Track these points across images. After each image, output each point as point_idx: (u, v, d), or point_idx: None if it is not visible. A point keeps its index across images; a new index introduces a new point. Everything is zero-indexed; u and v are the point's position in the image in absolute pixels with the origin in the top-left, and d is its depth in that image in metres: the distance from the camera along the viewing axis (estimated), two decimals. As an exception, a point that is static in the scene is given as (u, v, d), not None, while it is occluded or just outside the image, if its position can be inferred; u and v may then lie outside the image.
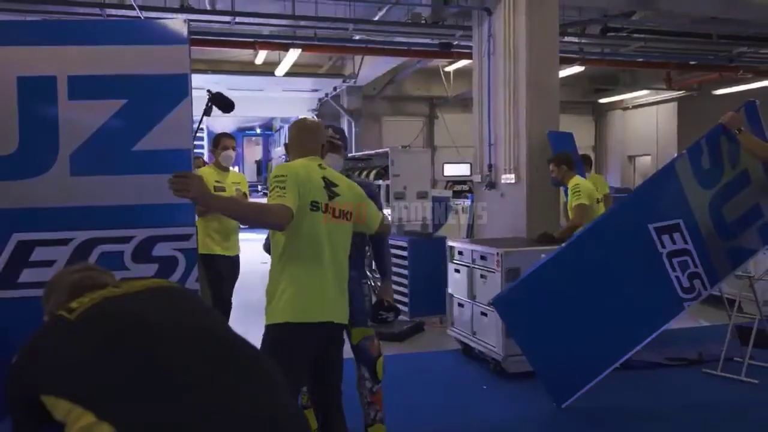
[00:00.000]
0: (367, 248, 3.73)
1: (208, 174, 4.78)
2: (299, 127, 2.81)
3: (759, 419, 4.11)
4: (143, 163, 2.22)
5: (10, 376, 1.52)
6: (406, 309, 6.60)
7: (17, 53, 2.04)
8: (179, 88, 2.23)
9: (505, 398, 4.57)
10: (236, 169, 25.10)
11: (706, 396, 4.58)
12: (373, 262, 3.76)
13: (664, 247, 4.03)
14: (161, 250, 2.26)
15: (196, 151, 3.48)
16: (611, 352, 4.11)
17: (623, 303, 4.02)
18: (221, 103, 3.81)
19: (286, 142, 2.97)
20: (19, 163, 2.05)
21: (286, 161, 2.89)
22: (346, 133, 15.95)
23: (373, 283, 6.38)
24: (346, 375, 3.24)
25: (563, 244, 4.30)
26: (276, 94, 14.15)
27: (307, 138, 2.74)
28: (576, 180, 5.34)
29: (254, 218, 2.45)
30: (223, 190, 4.88)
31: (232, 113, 3.92)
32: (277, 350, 2.29)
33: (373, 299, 4.04)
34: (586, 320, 3.99)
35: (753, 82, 11.59)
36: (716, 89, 12.46)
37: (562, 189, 6.10)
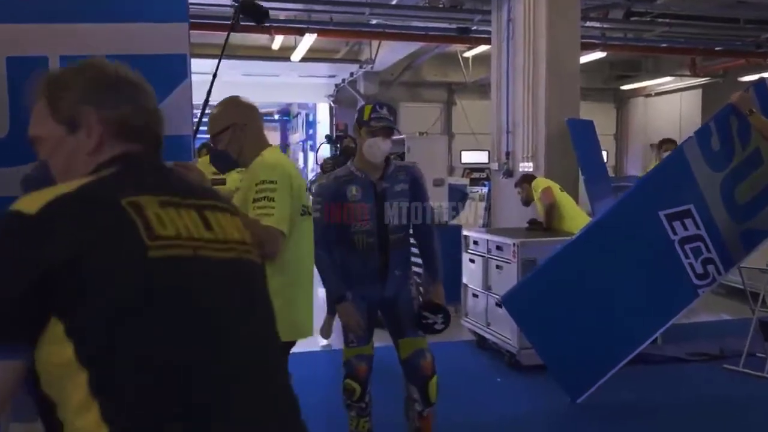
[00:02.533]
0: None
1: (206, 165, 3.52)
2: (249, 107, 2.41)
3: (783, 418, 3.97)
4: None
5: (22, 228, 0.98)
6: (420, 298, 6.50)
7: (6, 31, 1.94)
8: (178, 70, 2.13)
9: (520, 392, 4.47)
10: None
11: (726, 392, 4.44)
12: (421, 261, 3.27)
13: (676, 234, 3.89)
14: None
15: (200, 136, 3.36)
16: (625, 344, 4.00)
17: (636, 293, 3.90)
18: (253, 11, 3.03)
19: (221, 129, 2.35)
20: (10, 150, 1.96)
21: (216, 153, 2.39)
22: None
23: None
24: (394, 393, 3.22)
25: (572, 237, 4.17)
26: (292, 80, 14.04)
27: (260, 122, 2.46)
28: (541, 183, 5.48)
29: None
30: (222, 183, 4.05)
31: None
32: None
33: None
34: (598, 313, 3.87)
35: (781, 68, 11.26)
36: (742, 76, 12.10)
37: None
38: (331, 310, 5.21)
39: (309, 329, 2.41)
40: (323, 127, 16.28)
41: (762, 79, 4.14)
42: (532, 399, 4.27)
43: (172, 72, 2.14)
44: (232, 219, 1.18)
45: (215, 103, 2.50)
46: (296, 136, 20.77)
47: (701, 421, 3.96)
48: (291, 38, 9.95)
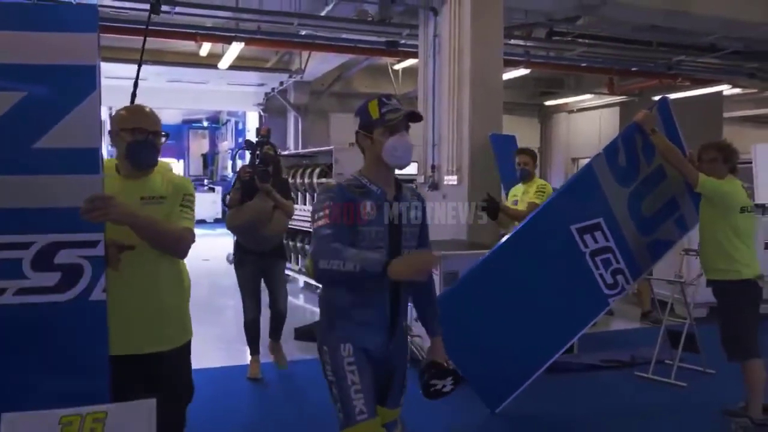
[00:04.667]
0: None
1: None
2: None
3: (686, 422, 4.18)
4: (45, 162, 2.03)
5: None
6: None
7: None
8: (87, 81, 2.05)
9: (438, 404, 4.48)
10: (174, 162, 24.19)
11: (637, 399, 4.64)
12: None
13: (587, 246, 4.05)
14: (65, 257, 2.08)
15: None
16: (541, 353, 4.12)
17: (550, 304, 4.03)
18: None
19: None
20: None
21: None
22: (293, 129, 15.75)
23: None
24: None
25: (489, 251, 4.26)
26: (221, 88, 13.84)
27: None
28: (543, 181, 5.40)
29: (169, 247, 2.41)
30: None
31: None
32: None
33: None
34: (514, 323, 3.97)
35: (691, 89, 11.94)
36: (656, 95, 12.77)
37: (503, 192, 6.10)
38: (252, 349, 4.98)
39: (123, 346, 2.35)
40: (252, 136, 16.11)
41: (664, 98, 4.37)
42: (451, 411, 4.32)
43: (81, 83, 2.07)
44: None
45: None
46: (225, 144, 20.44)
47: (614, 426, 4.13)
48: (219, 45, 9.81)
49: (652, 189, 4.23)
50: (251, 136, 16.21)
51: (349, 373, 2.26)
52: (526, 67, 10.30)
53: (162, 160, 2.55)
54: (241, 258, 4.91)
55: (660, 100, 4.33)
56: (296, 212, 5.50)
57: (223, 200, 5.04)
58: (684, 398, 4.62)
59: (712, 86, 12.00)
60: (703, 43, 9.77)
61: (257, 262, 4.81)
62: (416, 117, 2.36)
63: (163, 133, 2.48)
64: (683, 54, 10.27)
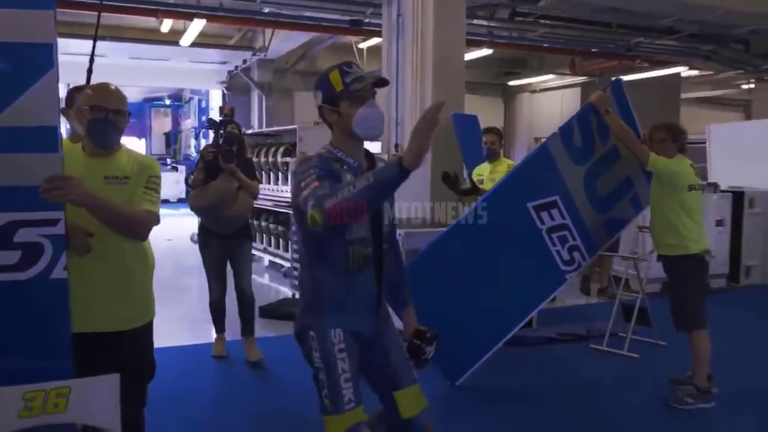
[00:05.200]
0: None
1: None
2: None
3: (637, 391, 4.38)
4: (2, 141, 2.02)
5: None
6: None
7: None
8: (44, 59, 2.04)
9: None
10: (136, 141, 23.64)
11: (591, 370, 4.83)
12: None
13: (543, 223, 4.17)
14: (24, 235, 2.08)
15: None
16: (500, 327, 4.24)
17: (509, 279, 4.14)
18: None
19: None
20: None
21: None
22: (256, 108, 15.57)
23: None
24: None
25: (449, 227, 4.35)
26: (183, 65, 13.62)
27: None
28: (512, 161, 5.54)
29: (127, 230, 2.40)
30: None
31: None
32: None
33: None
34: (474, 298, 4.07)
35: (649, 71, 12.19)
36: (616, 76, 13.00)
37: (466, 171, 6.19)
38: (218, 327, 5.00)
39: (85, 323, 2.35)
40: (216, 114, 15.91)
41: (618, 80, 4.49)
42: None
43: (38, 61, 2.06)
44: None
45: None
46: (188, 122, 20.12)
47: (570, 397, 4.29)
48: (180, 22, 9.64)
49: (607, 168, 4.36)
50: (215, 114, 16.01)
51: (339, 361, 2.17)
52: (489, 47, 10.39)
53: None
54: (205, 239, 4.86)
55: (614, 81, 4.44)
56: (261, 191, 5.50)
57: (186, 180, 5.00)
58: (636, 369, 4.82)
59: (669, 68, 12.27)
60: (661, 26, 9.96)
61: (222, 243, 4.77)
62: (383, 82, 2.20)
63: (126, 112, 2.47)
64: (642, 36, 10.46)
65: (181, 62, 13.36)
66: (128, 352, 2.50)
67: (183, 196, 18.52)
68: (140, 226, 2.41)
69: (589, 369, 4.87)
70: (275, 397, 4.31)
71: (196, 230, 10.60)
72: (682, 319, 4.11)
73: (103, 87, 2.46)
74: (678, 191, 4.09)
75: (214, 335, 5.08)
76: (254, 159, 7.80)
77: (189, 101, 20.06)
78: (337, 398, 2.15)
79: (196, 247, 5.00)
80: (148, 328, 2.65)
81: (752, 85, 14.49)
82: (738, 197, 7.78)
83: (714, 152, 8.94)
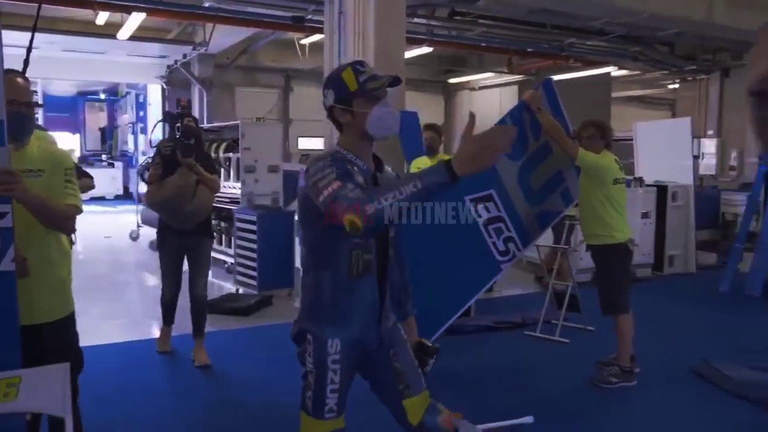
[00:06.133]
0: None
1: None
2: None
3: (567, 373, 4.65)
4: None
5: None
6: (254, 283, 6.62)
7: None
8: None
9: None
10: (69, 137, 22.79)
11: (525, 355, 5.10)
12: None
13: (480, 216, 4.37)
14: (-30, 228, 2.12)
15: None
16: (440, 315, 4.41)
17: (449, 269, 4.31)
18: None
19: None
20: None
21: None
22: (197, 103, 15.26)
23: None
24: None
25: None
26: (120, 59, 13.27)
27: None
28: (449, 157, 5.66)
29: (57, 224, 2.45)
30: None
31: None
32: None
33: None
34: (416, 287, 4.22)
35: (582, 70, 12.71)
36: (551, 75, 13.47)
37: (406, 165, 6.36)
38: (167, 320, 4.95)
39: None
40: (155, 109, 15.59)
41: (548, 79, 4.74)
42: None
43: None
44: None
45: None
46: (126, 117, 19.60)
47: (508, 380, 4.52)
48: (118, 14, 9.45)
49: (539, 163, 4.59)
50: (154, 110, 15.69)
51: (330, 371, 2.12)
52: (429, 46, 10.61)
53: (41, 132, 2.58)
54: (164, 236, 4.73)
55: (545, 81, 4.67)
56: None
57: (142, 176, 4.91)
58: (566, 352, 5.11)
59: (600, 67, 12.82)
60: (592, 28, 10.40)
61: (181, 241, 4.65)
62: (397, 81, 2.11)
63: (37, 104, 2.54)
64: (574, 37, 10.88)
65: (118, 56, 13.02)
66: (56, 342, 2.52)
67: (121, 192, 18.11)
68: (69, 220, 2.49)
69: (524, 354, 5.13)
70: (219, 390, 4.38)
71: (135, 227, 10.43)
72: (608, 304, 4.40)
73: (13, 80, 2.41)
74: (604, 185, 4.37)
75: (158, 331, 5.07)
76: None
77: (126, 96, 19.55)
78: (319, 404, 2.13)
79: (135, 244, 4.97)
80: (71, 319, 2.66)
81: (677, 85, 15.26)
82: (662, 191, 8.23)
83: (640, 148, 9.39)
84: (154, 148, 4.90)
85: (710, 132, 13.16)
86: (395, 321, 2.34)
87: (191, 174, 4.49)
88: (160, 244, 4.80)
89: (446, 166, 1.85)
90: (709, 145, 13.02)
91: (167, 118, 4.73)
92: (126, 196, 17.30)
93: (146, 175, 4.55)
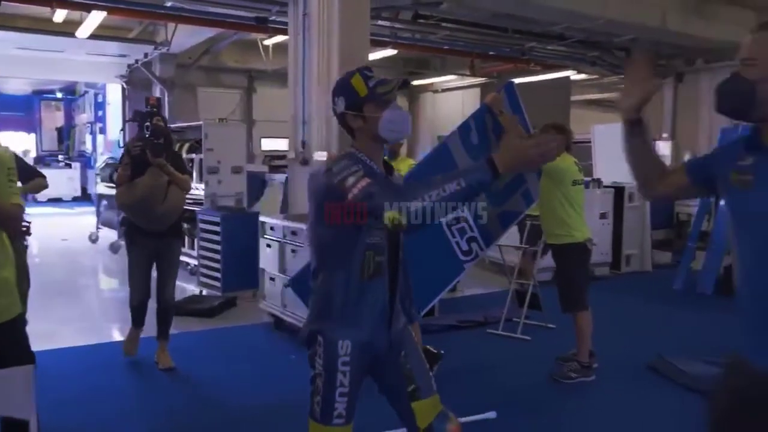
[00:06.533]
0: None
1: None
2: None
3: (528, 369, 4.77)
4: None
5: None
6: (218, 284, 6.58)
7: None
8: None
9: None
10: (24, 136, 22.21)
11: (488, 352, 5.20)
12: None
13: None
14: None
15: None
16: None
17: (413, 270, 4.35)
18: None
19: None
20: None
21: None
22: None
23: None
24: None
25: None
26: (79, 57, 12.99)
27: None
28: (412, 161, 5.85)
29: (6, 225, 2.44)
30: None
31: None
32: None
33: None
34: None
35: (542, 74, 12.94)
36: (512, 78, 13.69)
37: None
38: (137, 323, 4.81)
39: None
40: (115, 109, 15.30)
41: (510, 82, 4.83)
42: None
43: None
44: None
45: None
46: (84, 117, 19.19)
47: (472, 377, 4.59)
48: (77, 12, 9.27)
49: None
50: (113, 109, 15.41)
51: (340, 374, 2.10)
52: (393, 48, 10.68)
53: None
54: (133, 238, 4.61)
55: (506, 84, 4.77)
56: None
57: (111, 177, 4.82)
58: (528, 349, 5.23)
59: (560, 71, 13.07)
60: (552, 32, 10.61)
61: (151, 243, 4.56)
62: (406, 84, 2.17)
63: None
64: (535, 41, 11.07)
65: (77, 54, 12.74)
66: (7, 343, 2.48)
67: (78, 194, 17.73)
68: (17, 220, 2.50)
69: (487, 351, 5.23)
70: (183, 392, 4.37)
71: (94, 229, 10.24)
72: (567, 301, 4.52)
73: None
74: (563, 186, 4.49)
75: (119, 335, 5.00)
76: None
77: (84, 95, 19.14)
78: (327, 409, 2.10)
79: (94, 246, 4.88)
80: (21, 320, 2.63)
81: (634, 89, 15.60)
82: (619, 192, 8.46)
83: (598, 150, 9.64)
84: (122, 148, 4.78)
85: (665, 135, 13.53)
86: (405, 323, 2.34)
87: (162, 174, 4.42)
88: (128, 247, 4.68)
89: (489, 164, 1.89)
90: (664, 148, 13.36)
91: (136, 116, 4.64)
92: (84, 198, 16.95)
93: (115, 176, 4.46)
